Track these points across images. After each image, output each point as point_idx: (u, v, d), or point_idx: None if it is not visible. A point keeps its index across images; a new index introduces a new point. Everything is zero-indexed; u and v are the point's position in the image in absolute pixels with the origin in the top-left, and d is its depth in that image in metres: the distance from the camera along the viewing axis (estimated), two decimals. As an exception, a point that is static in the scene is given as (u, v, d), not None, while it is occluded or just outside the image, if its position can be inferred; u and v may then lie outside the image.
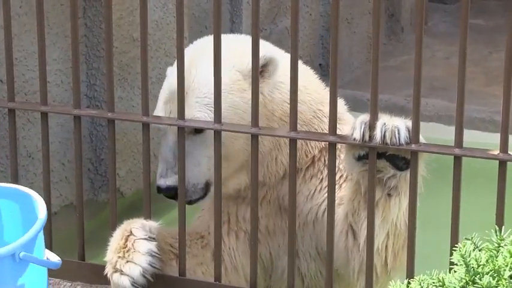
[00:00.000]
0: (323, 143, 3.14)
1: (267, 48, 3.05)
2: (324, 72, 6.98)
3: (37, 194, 2.74)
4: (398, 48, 7.72)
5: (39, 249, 2.61)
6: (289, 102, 2.96)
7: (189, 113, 3.01)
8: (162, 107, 3.09)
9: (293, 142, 2.94)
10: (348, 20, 7.10)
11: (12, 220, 2.76)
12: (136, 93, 4.97)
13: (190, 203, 3.11)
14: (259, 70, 2.96)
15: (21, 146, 4.48)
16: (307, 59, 6.81)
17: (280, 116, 3.08)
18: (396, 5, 7.82)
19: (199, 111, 3.02)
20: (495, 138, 5.77)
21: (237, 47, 3.09)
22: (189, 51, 3.07)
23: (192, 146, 3.03)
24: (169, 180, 3.04)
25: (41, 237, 2.63)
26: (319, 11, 6.97)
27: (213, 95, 2.95)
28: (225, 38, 3.00)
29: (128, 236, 3.01)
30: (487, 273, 1.69)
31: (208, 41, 3.09)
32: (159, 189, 3.07)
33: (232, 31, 6.03)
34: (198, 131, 3.04)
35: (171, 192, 3.06)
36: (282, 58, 3.11)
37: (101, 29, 4.78)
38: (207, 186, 3.09)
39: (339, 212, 3.02)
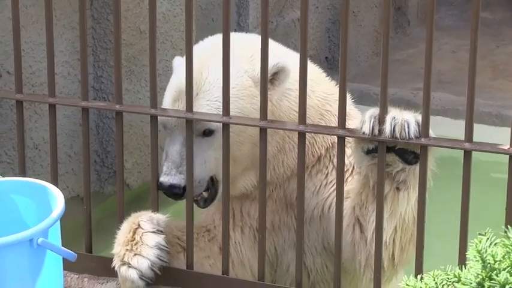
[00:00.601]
0: (329, 142, 3.14)
1: (277, 52, 3.00)
2: (330, 65, 6.97)
3: (54, 186, 2.74)
4: (404, 41, 7.71)
5: (55, 240, 2.62)
6: (295, 109, 2.98)
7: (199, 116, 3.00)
8: (171, 105, 3.07)
9: (302, 136, 2.93)
10: (355, 13, 7.10)
11: (28, 216, 2.76)
12: (143, 85, 4.97)
13: (199, 204, 3.10)
14: (268, 76, 2.93)
15: (28, 138, 4.48)
16: (313, 52, 6.80)
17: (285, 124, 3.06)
18: (403, -2, 7.81)
19: (208, 114, 3.00)
20: (501, 132, 5.79)
21: (249, 51, 3.06)
22: (199, 50, 3.03)
23: (199, 148, 3.02)
24: (173, 179, 3.02)
25: (58, 229, 2.64)
26: (326, 4, 6.96)
27: None
28: (236, 38, 2.96)
29: (136, 229, 3.01)
30: (504, 269, 1.68)
31: (218, 39, 3.06)
32: (161, 186, 3.03)
33: (238, 23, 6.02)
34: (207, 133, 3.03)
35: (173, 191, 3.03)
36: (292, 61, 3.09)
37: (108, 21, 4.77)
38: (212, 182, 3.09)
39: (346, 205, 3.01)
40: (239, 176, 3.10)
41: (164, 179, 3.02)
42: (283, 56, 3.09)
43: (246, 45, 3.06)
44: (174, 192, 3.03)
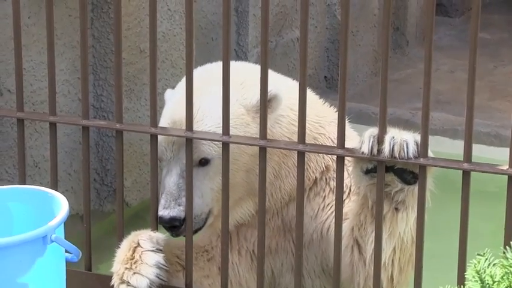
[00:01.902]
0: (324, 165, 3.15)
1: (269, 80, 3.00)
2: (329, 85, 6.99)
3: (55, 191, 2.78)
4: (403, 61, 7.73)
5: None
6: (288, 136, 3.02)
7: (194, 147, 3.01)
8: (165, 138, 3.07)
9: (301, 155, 2.93)
10: (353, 32, 7.11)
11: (23, 224, 2.78)
12: (143, 104, 4.98)
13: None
14: (266, 101, 2.94)
15: (28, 156, 4.48)
16: (312, 71, 6.82)
17: (280, 150, 3.07)
18: (401, 18, 7.83)
19: (203, 144, 3.02)
20: (500, 152, 5.79)
21: (239, 78, 3.07)
22: (194, 80, 3.02)
23: (195, 178, 3.02)
24: (173, 212, 3.02)
25: (62, 230, 2.67)
26: (325, 24, 6.98)
27: (218, 127, 2.97)
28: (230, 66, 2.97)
29: (135, 247, 3.01)
30: (503, 290, 1.68)
31: (213, 69, 3.09)
32: (162, 220, 3.04)
33: (238, 43, 6.04)
34: (203, 163, 3.04)
35: (173, 223, 3.04)
36: (285, 88, 3.10)
37: (108, 40, 4.79)
38: (208, 215, 3.10)
39: (345, 226, 3.01)
40: (235, 206, 3.10)
41: (164, 212, 3.03)
42: (276, 82, 3.09)
43: (235, 72, 3.04)
44: (174, 225, 3.04)
